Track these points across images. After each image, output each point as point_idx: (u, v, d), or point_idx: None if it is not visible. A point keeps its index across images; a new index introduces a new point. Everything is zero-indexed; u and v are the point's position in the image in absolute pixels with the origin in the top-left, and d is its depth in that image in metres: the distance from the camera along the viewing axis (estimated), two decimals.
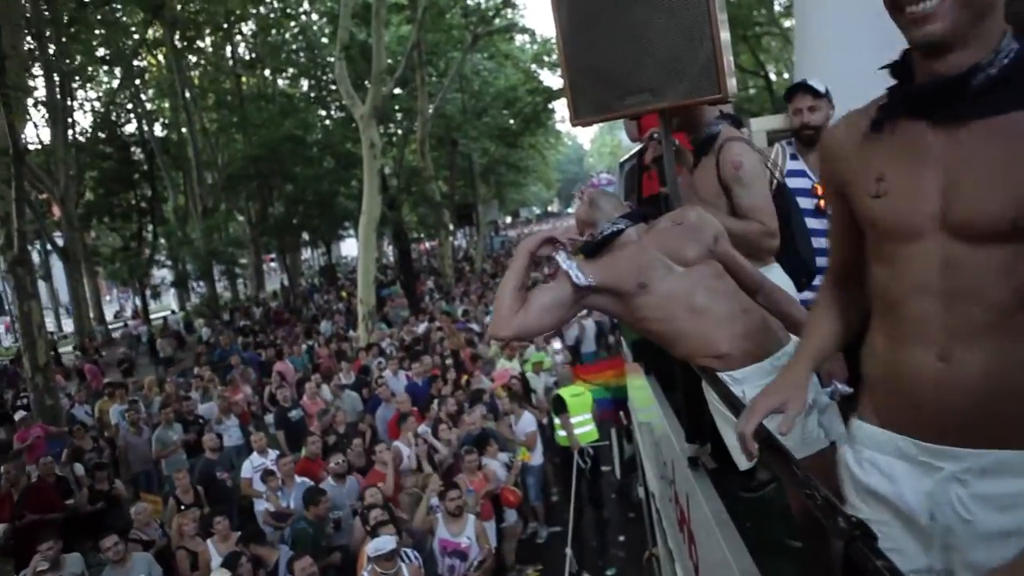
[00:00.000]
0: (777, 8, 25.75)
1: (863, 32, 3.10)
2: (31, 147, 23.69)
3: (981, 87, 1.07)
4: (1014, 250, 1.06)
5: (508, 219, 58.30)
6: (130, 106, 26.96)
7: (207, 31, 27.36)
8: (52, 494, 6.85)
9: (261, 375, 12.18)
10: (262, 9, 26.88)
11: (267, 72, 29.33)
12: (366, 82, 16.96)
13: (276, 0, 26.98)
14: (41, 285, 37.20)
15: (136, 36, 25.49)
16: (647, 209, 2.45)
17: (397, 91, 26.21)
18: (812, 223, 2.86)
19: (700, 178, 2.63)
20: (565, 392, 7.58)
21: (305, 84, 29.83)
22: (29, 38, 19.94)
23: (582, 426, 7.33)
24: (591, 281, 2.04)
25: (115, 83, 26.92)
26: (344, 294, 24.20)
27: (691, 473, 2.52)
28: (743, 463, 2.06)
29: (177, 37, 24.54)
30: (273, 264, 39.71)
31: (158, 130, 28.52)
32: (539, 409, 8.47)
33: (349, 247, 46.37)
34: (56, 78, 21.80)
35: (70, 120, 24.63)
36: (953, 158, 1.11)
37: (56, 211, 23.56)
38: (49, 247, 26.06)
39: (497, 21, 27.36)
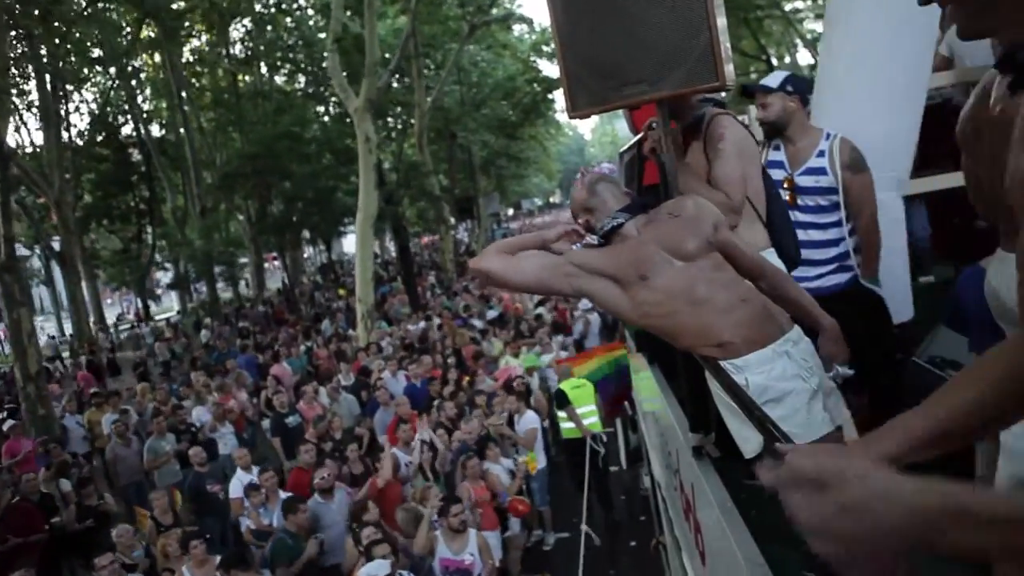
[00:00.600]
0: None
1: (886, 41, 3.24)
2: (25, 151, 23.52)
3: None
4: None
5: (510, 211, 58.00)
6: (126, 107, 26.65)
7: (202, 28, 27.04)
8: (35, 514, 6.55)
9: (258, 378, 11.86)
10: (257, 6, 26.51)
11: (264, 69, 28.97)
12: (362, 75, 16.56)
13: None
14: (44, 290, 37.23)
15: (130, 36, 25.17)
16: (647, 199, 2.33)
17: (395, 85, 25.86)
18: None
19: (692, 162, 2.63)
20: (566, 386, 7.62)
21: (302, 80, 29.46)
22: (18, 40, 19.66)
23: (586, 417, 7.45)
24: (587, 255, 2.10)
25: (110, 84, 26.63)
26: (343, 292, 23.88)
27: (695, 462, 2.51)
28: (748, 451, 2.09)
29: (170, 35, 24.17)
30: (277, 263, 39.47)
31: (155, 131, 28.28)
32: (538, 410, 8.17)
33: (351, 244, 46.07)
34: (48, 80, 21.43)
35: (65, 123, 24.39)
36: None
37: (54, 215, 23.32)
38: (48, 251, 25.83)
39: (495, 11, 26.91)
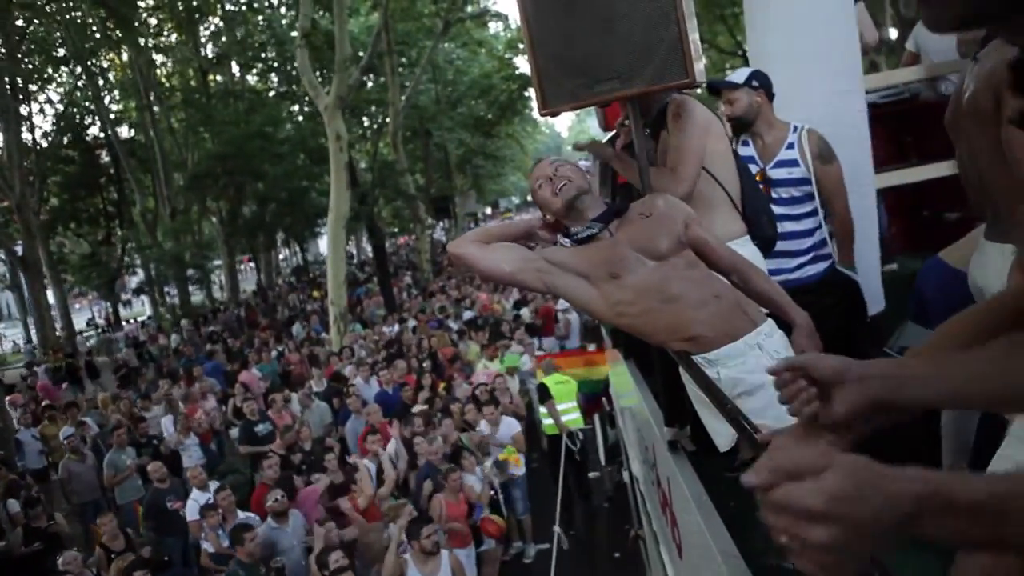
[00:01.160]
0: None
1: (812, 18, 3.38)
2: None
3: None
4: None
5: (488, 210, 57.82)
6: (92, 108, 25.92)
7: (171, 27, 26.40)
8: None
9: (225, 386, 11.42)
10: (228, 5, 25.92)
11: (235, 68, 28.38)
12: (332, 72, 16.14)
13: None
14: (9, 296, 36.19)
15: (98, 35, 24.47)
16: (620, 204, 2.28)
17: (369, 84, 25.42)
18: None
19: (663, 153, 2.61)
20: (550, 381, 7.69)
21: (275, 79, 28.90)
22: None
23: (567, 413, 7.53)
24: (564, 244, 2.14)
25: (75, 83, 25.90)
26: (316, 294, 23.38)
27: (671, 456, 2.53)
28: (721, 445, 2.16)
29: (137, 35, 23.55)
30: (252, 264, 38.79)
31: (124, 132, 27.60)
32: (515, 414, 7.88)
33: (327, 244, 45.40)
34: (7, 80, 20.72)
35: (28, 123, 23.65)
36: None
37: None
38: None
39: (469, 7, 26.57)
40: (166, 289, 27.92)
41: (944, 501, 0.67)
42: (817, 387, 1.02)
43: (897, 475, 0.70)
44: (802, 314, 2.09)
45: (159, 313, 26.62)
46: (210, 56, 27.29)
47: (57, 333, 23.74)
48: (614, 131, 3.70)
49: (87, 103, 26.33)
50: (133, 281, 29.98)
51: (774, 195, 3.09)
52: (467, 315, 14.74)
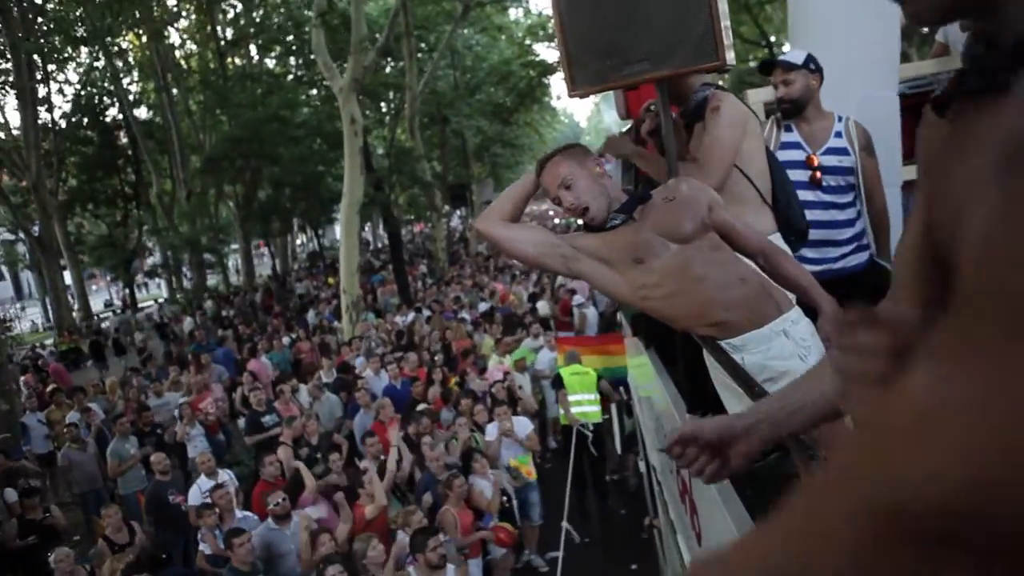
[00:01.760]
0: None
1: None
2: (1, 133, 22.72)
3: None
4: None
5: None
6: (112, 88, 25.82)
7: (190, 7, 26.20)
8: None
9: (235, 373, 11.21)
10: None
11: (253, 51, 28.17)
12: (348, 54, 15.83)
13: None
14: (29, 276, 36.41)
15: (119, 17, 24.30)
16: (643, 193, 2.24)
17: (388, 69, 25.07)
18: (805, 195, 2.89)
19: (696, 146, 2.60)
20: (566, 371, 7.39)
21: (293, 63, 28.64)
22: None
23: (582, 405, 7.24)
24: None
25: (94, 64, 25.81)
26: (332, 280, 23.18)
27: None
28: None
29: (153, 12, 23.37)
30: (269, 249, 38.73)
31: (143, 113, 27.51)
32: (525, 411, 7.57)
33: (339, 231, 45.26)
34: (24, 58, 20.61)
35: (47, 104, 23.60)
36: None
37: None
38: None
39: None
40: (184, 271, 27.93)
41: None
42: (710, 450, 1.14)
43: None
44: (829, 300, 2.03)
45: (174, 296, 26.61)
46: (229, 38, 27.10)
47: (74, 314, 23.79)
48: (635, 119, 3.66)
49: (105, 83, 26.25)
50: (149, 263, 29.97)
51: (824, 183, 3.06)
52: (483, 306, 14.44)
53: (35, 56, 22.15)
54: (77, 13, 23.40)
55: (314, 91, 27.90)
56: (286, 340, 13.48)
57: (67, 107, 25.84)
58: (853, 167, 3.04)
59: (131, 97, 26.59)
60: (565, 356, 7.83)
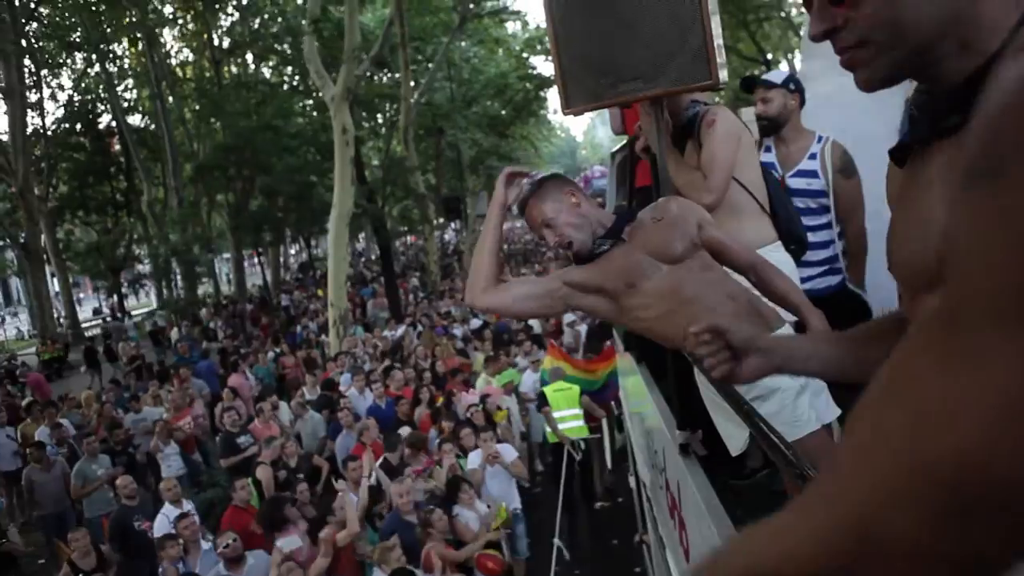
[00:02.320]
0: None
1: None
2: None
3: None
4: None
5: None
6: (105, 95, 25.56)
7: (185, 15, 25.98)
8: None
9: (217, 388, 10.85)
10: None
11: (249, 59, 27.97)
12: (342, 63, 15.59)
13: None
14: (18, 283, 35.96)
15: (113, 22, 24.07)
16: (628, 213, 2.28)
17: (384, 79, 24.86)
18: None
19: (689, 161, 2.65)
20: (549, 389, 7.35)
21: (289, 72, 28.42)
22: None
23: (568, 421, 7.17)
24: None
25: (88, 70, 25.56)
26: (320, 292, 22.83)
27: (682, 460, 2.55)
28: (734, 449, 2.31)
29: (149, 19, 23.14)
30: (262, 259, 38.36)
31: (136, 120, 27.28)
32: (504, 438, 7.23)
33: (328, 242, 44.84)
34: (14, 62, 20.34)
35: (39, 109, 23.32)
36: None
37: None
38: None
39: (489, 3, 26.02)
40: (173, 281, 27.55)
41: None
42: (731, 351, 1.24)
43: None
44: (819, 316, 2.06)
45: (163, 304, 26.22)
46: (224, 46, 26.89)
47: (60, 321, 23.38)
48: (631, 135, 3.73)
49: (99, 90, 26.00)
50: (136, 271, 29.61)
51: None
52: (475, 323, 14.11)
53: (27, 60, 21.89)
54: (72, 20, 23.19)
55: (309, 101, 27.70)
56: (271, 354, 13.14)
57: (60, 113, 25.61)
58: (824, 190, 3.03)
59: (125, 104, 26.35)
60: (549, 372, 7.68)
